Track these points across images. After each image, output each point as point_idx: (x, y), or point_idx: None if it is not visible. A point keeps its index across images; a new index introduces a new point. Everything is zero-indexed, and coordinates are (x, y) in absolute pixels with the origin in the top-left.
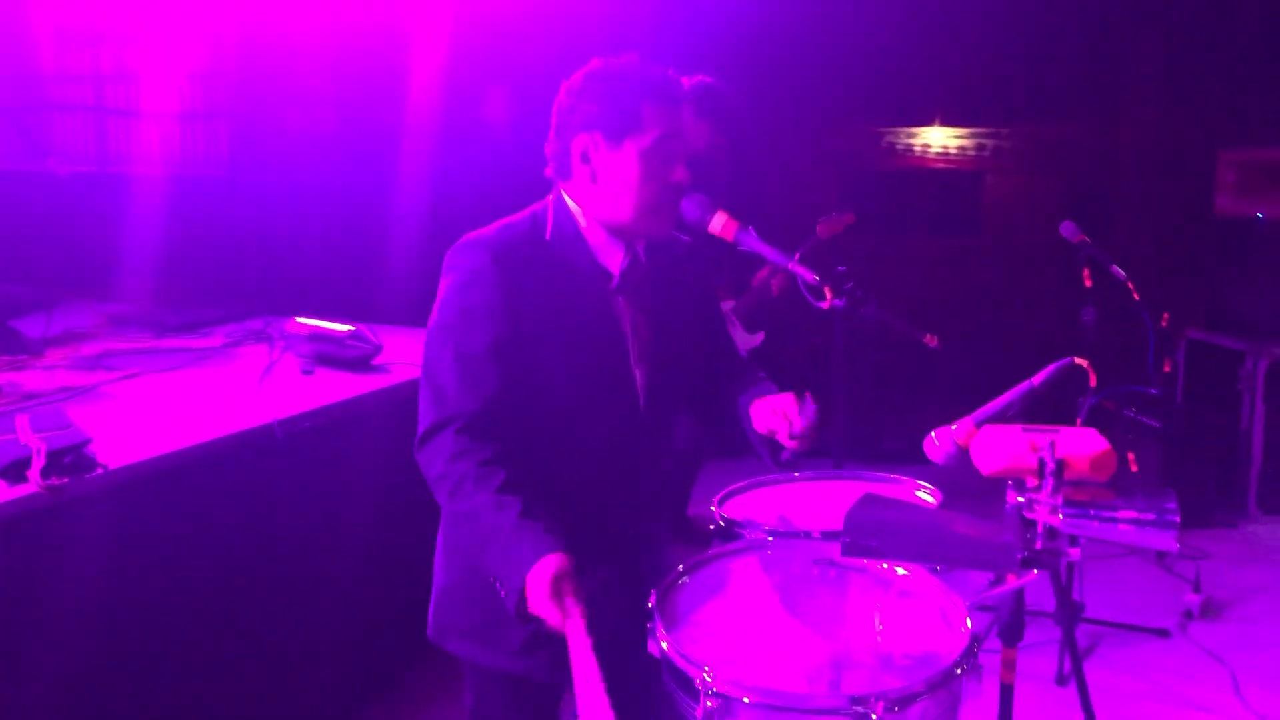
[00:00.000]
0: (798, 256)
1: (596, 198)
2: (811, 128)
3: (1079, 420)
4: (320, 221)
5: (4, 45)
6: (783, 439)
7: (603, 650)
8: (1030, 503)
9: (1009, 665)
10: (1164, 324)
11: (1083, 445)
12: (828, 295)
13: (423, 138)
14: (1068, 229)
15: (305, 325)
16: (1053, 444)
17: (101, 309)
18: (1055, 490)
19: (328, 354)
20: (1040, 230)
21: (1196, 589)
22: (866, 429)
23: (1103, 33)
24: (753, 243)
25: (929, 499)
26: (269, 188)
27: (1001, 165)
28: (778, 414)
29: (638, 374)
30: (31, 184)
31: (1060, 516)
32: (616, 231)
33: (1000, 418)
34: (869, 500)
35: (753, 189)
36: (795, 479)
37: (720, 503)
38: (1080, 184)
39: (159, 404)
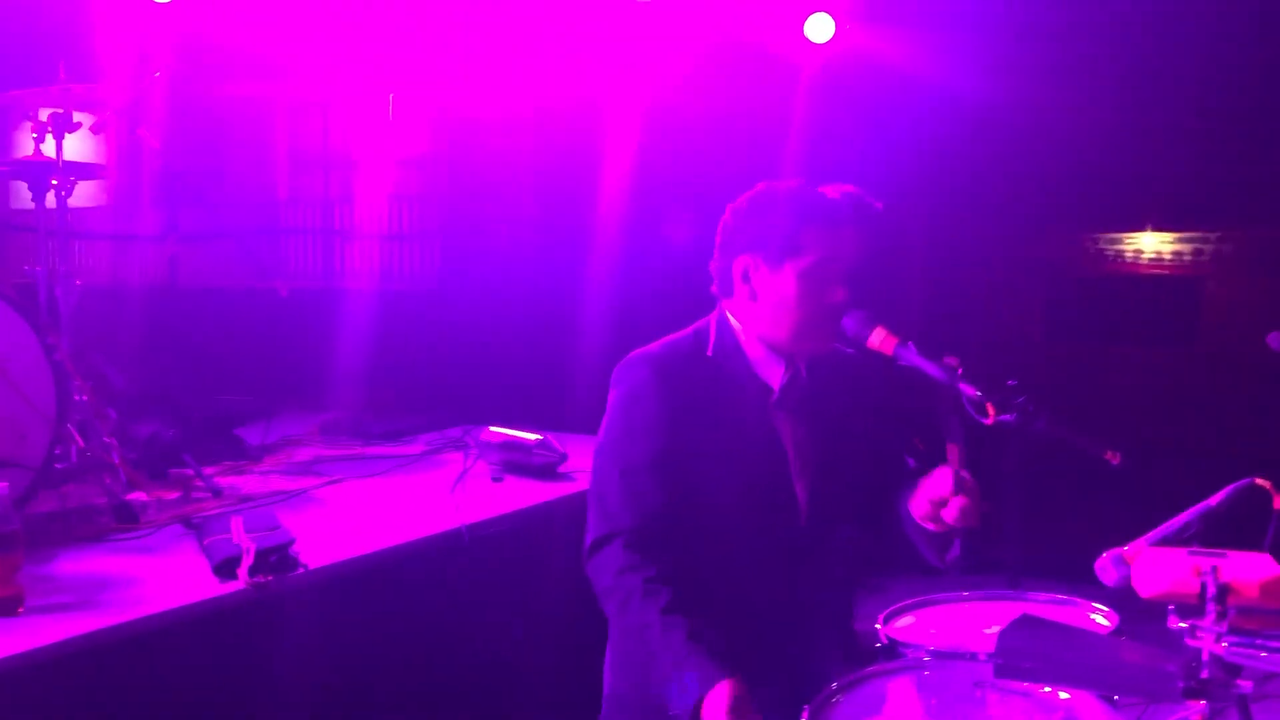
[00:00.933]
0: (960, 372)
1: (756, 315)
2: (1017, 235)
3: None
4: (515, 333)
5: (246, 174)
6: (946, 514)
7: None
8: (1194, 629)
9: None
10: None
11: (1253, 570)
12: (990, 412)
13: (609, 254)
14: (1276, 339)
15: (497, 434)
16: (1215, 568)
17: (315, 418)
18: (1219, 617)
19: (516, 461)
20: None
21: None
22: (1047, 546)
23: None
24: (912, 358)
25: (1104, 622)
26: (469, 302)
27: (1221, 271)
28: (935, 486)
29: (799, 488)
30: (256, 300)
31: (1224, 645)
32: (776, 348)
33: (1176, 540)
34: (1026, 621)
35: (954, 301)
36: (964, 598)
37: (885, 620)
38: None
39: (361, 508)
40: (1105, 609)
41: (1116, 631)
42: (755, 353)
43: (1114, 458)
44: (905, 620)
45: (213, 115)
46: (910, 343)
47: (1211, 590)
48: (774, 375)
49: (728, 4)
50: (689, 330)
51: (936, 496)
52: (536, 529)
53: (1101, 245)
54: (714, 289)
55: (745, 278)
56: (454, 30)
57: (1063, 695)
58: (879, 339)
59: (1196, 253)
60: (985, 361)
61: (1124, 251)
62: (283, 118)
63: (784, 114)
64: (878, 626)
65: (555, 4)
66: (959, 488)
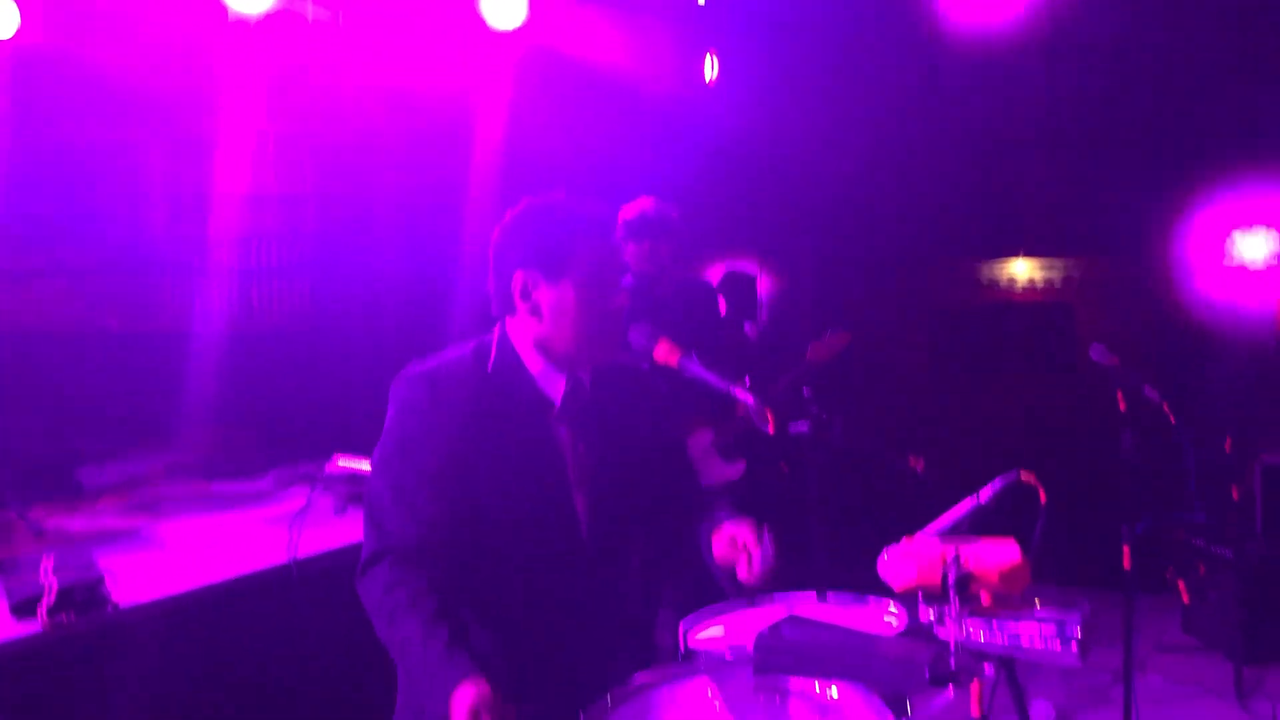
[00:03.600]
0: (747, 382)
1: (539, 330)
2: (897, 265)
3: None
4: (378, 366)
5: (120, 215)
6: (741, 574)
7: None
8: (940, 618)
9: None
10: (1227, 449)
11: (994, 557)
12: (770, 418)
13: (477, 286)
14: (1097, 351)
15: (344, 466)
16: (957, 556)
17: (165, 457)
18: (962, 604)
19: (360, 493)
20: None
21: None
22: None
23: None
24: (695, 369)
25: (895, 622)
26: (334, 337)
27: (1091, 294)
28: (736, 546)
29: (579, 501)
30: (105, 342)
31: (966, 632)
32: (559, 360)
33: (951, 535)
34: (790, 621)
35: (837, 323)
36: (771, 602)
37: (689, 629)
38: (1164, 312)
39: (193, 545)
40: (897, 609)
41: (906, 630)
42: (536, 367)
43: (918, 464)
44: (713, 629)
45: (78, 156)
46: (693, 353)
47: (953, 578)
48: (555, 388)
49: (599, 38)
50: (470, 346)
51: (738, 560)
52: None
53: (978, 273)
54: (494, 309)
55: (525, 294)
56: (327, 66)
57: (833, 694)
58: (664, 351)
59: (1066, 279)
60: (874, 389)
61: (999, 279)
62: (159, 157)
63: (657, 147)
64: (681, 634)
65: (424, 39)
66: (763, 564)
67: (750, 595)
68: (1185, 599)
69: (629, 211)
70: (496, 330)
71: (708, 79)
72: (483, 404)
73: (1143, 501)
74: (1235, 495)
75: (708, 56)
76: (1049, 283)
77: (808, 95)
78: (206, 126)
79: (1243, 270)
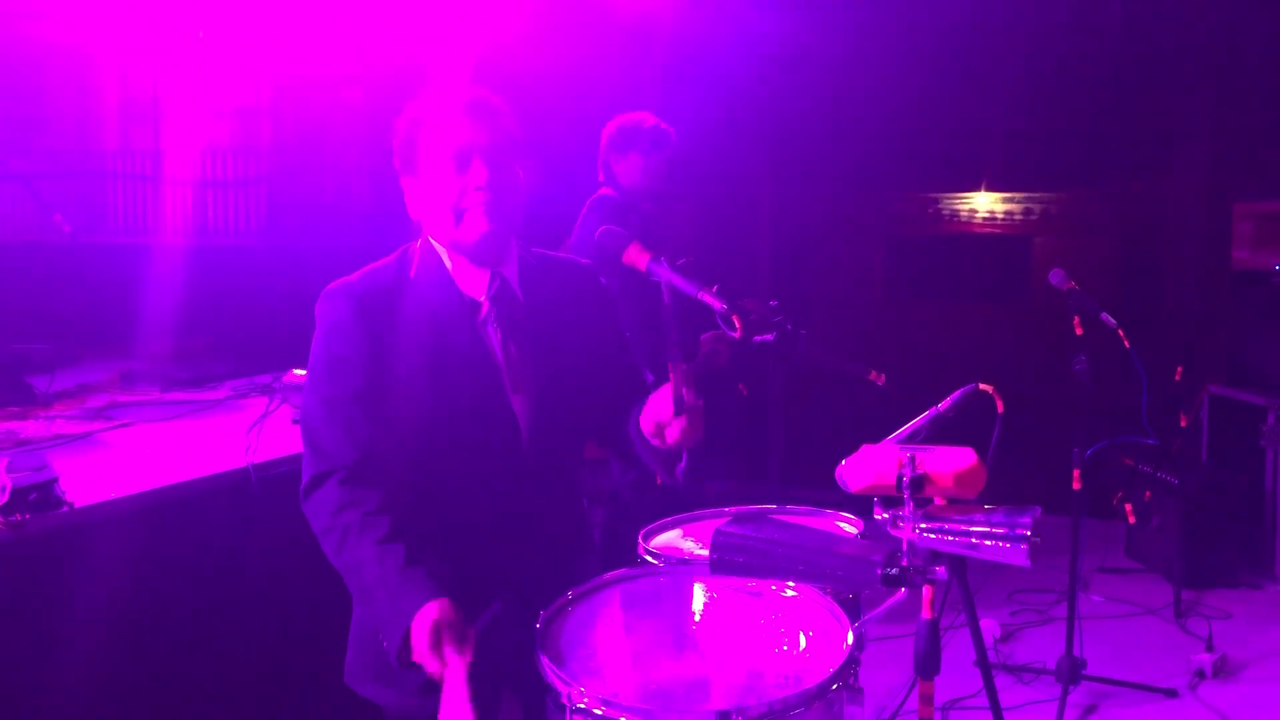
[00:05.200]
0: (715, 289)
1: (429, 225)
2: (858, 194)
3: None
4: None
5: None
6: (669, 435)
7: (493, 684)
8: (895, 519)
9: (926, 699)
10: (1177, 377)
11: (950, 461)
12: (737, 324)
13: None
14: (1056, 276)
15: (301, 376)
16: (913, 458)
17: (119, 366)
18: (916, 506)
19: None
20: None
21: (1209, 648)
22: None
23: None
24: (664, 273)
25: (850, 529)
26: (293, 252)
27: (1050, 228)
28: (658, 406)
29: (516, 403)
30: (66, 253)
31: (918, 532)
32: (475, 256)
33: (907, 442)
34: (743, 518)
35: (795, 254)
36: (728, 512)
37: (647, 535)
38: (1128, 244)
39: (146, 450)
40: (852, 517)
41: (862, 533)
42: (458, 268)
43: (879, 379)
44: (670, 534)
45: (28, 59)
46: (662, 258)
47: (908, 478)
48: (478, 288)
49: None
50: (393, 255)
51: (660, 417)
52: None
53: (940, 205)
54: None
55: (411, 196)
56: None
57: (789, 593)
58: (633, 254)
59: (1027, 212)
60: (835, 317)
61: (960, 211)
62: (110, 64)
63: (616, 72)
64: (639, 541)
65: None
66: (679, 408)
67: (683, 476)
68: (1131, 519)
69: (623, 122)
70: (419, 239)
71: None
72: (409, 311)
73: (1094, 426)
74: (1183, 423)
75: None
76: (1009, 215)
77: (769, 20)
78: (159, 34)
79: None
